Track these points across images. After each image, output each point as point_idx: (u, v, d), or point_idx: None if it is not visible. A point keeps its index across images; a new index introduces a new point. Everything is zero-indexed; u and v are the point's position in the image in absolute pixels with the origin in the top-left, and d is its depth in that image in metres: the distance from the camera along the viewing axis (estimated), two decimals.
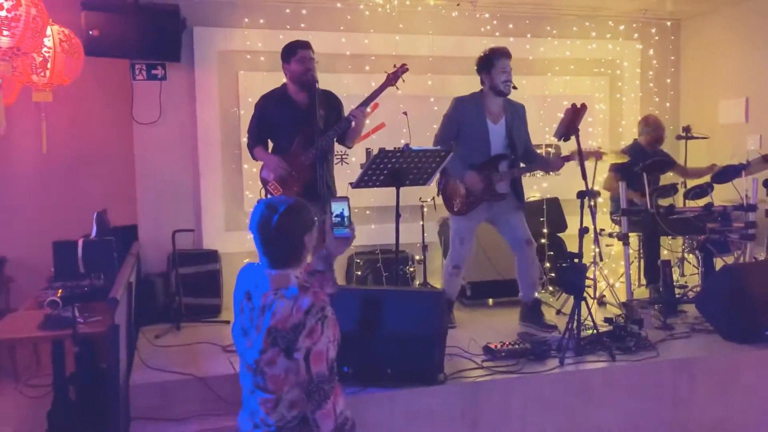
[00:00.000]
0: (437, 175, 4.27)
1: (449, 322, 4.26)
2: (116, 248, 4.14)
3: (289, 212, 2.21)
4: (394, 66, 4.15)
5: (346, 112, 4.19)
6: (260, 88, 5.10)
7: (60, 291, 3.62)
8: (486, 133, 4.37)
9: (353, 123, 4.09)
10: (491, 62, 4.31)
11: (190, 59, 5.12)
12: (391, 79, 4.11)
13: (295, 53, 4.07)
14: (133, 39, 4.73)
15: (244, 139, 5.14)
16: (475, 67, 4.42)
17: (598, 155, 4.52)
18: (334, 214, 2.43)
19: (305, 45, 4.11)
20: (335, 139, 4.22)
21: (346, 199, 2.47)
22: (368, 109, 4.14)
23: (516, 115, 4.47)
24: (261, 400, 2.22)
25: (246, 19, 5.24)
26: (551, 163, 4.56)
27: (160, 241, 4.88)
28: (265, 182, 4.19)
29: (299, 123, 4.08)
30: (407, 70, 4.14)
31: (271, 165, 4.12)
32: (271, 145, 4.29)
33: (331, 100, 4.23)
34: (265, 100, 4.26)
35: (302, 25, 5.36)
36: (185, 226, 4.93)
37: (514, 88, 4.38)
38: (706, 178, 5.23)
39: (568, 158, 4.39)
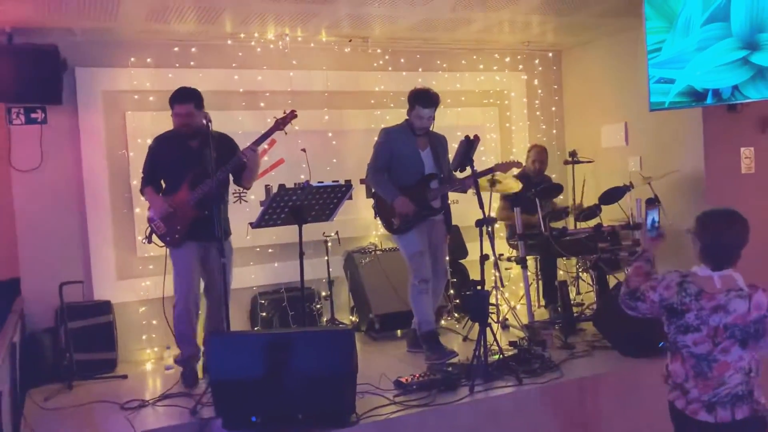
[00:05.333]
0: (339, 210, 4.25)
1: (444, 352, 4.31)
2: None
3: (743, 219, 2.58)
4: (284, 111, 4.13)
5: None
6: (149, 128, 4.95)
7: None
8: (418, 157, 4.46)
9: (246, 161, 4.03)
10: (413, 105, 4.42)
11: (72, 101, 4.87)
12: (279, 124, 4.08)
13: (172, 108, 4.06)
14: (8, 81, 4.47)
15: (135, 182, 4.96)
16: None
17: (518, 164, 4.74)
18: (650, 219, 2.88)
19: (181, 99, 4.02)
20: (233, 181, 4.20)
21: (656, 207, 2.93)
22: (266, 146, 4.09)
23: (439, 143, 4.59)
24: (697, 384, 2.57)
25: (132, 59, 5.06)
26: (465, 183, 4.47)
27: (46, 295, 4.55)
28: (150, 221, 4.14)
29: (189, 163, 4.03)
30: (296, 116, 4.14)
31: (154, 205, 4.10)
32: (164, 186, 4.19)
33: (225, 143, 4.19)
34: (158, 140, 4.21)
35: (192, 63, 5.23)
36: (73, 277, 4.63)
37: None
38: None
39: (486, 173, 4.60)
